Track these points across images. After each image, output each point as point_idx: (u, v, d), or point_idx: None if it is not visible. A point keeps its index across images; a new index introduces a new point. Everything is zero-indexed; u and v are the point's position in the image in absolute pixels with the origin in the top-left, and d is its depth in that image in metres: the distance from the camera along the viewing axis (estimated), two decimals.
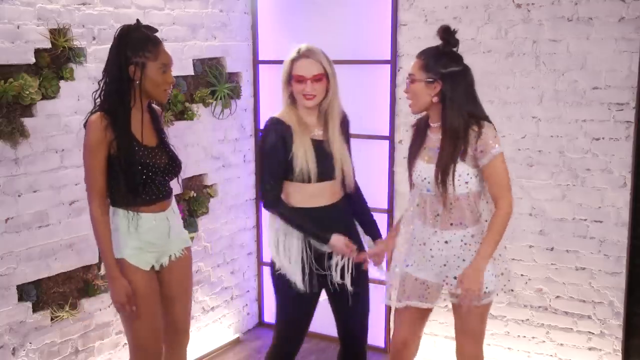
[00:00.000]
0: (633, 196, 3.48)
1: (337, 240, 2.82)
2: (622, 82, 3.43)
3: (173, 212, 2.86)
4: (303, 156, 2.80)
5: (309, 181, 2.82)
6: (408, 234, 2.91)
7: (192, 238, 3.92)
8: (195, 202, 4.07)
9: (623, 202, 3.51)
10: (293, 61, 2.82)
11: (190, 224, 4.03)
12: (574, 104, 3.56)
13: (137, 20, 2.74)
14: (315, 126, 2.89)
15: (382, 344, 4.28)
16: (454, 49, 2.74)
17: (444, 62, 2.69)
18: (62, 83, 3.21)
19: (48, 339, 3.27)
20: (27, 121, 3.08)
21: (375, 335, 4.29)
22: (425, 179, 2.77)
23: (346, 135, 2.98)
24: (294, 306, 2.94)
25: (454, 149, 2.68)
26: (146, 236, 2.73)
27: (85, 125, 2.66)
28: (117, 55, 2.64)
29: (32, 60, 3.07)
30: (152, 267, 2.79)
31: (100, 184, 2.65)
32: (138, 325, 2.74)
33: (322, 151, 2.86)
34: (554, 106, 3.60)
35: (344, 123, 2.98)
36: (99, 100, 2.68)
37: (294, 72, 2.81)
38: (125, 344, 3.56)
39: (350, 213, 3.02)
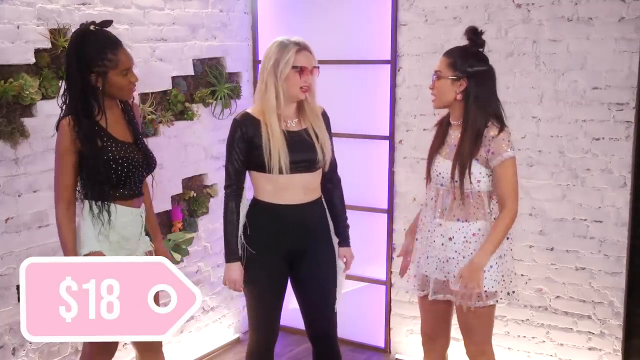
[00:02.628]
0: (633, 196, 3.48)
1: (231, 271, 2.89)
2: (622, 82, 3.43)
3: (144, 212, 2.87)
4: (275, 147, 2.78)
5: (281, 172, 2.80)
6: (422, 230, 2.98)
7: (192, 238, 3.92)
8: (195, 202, 4.07)
9: (623, 202, 3.51)
10: (297, 52, 2.81)
11: (190, 224, 4.03)
12: (574, 104, 3.56)
13: (92, 22, 2.66)
14: (290, 117, 2.89)
15: (382, 344, 4.28)
16: (481, 49, 2.82)
17: (471, 61, 2.77)
18: (62, 83, 3.21)
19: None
20: (27, 121, 3.09)
21: (375, 335, 4.30)
22: (440, 173, 2.84)
23: (327, 128, 2.98)
24: (257, 287, 2.95)
25: (472, 147, 2.74)
26: (124, 231, 2.73)
27: (56, 129, 2.66)
28: (77, 64, 2.60)
29: (32, 60, 3.08)
30: None
31: (69, 188, 2.65)
32: None
33: (297, 140, 2.85)
34: (554, 106, 3.60)
35: (325, 116, 2.99)
36: (63, 105, 2.67)
37: (299, 64, 2.80)
38: (126, 344, 3.57)
39: (325, 214, 3.00)
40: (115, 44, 2.66)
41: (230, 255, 2.90)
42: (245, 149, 2.84)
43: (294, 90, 2.83)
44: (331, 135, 3.00)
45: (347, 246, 3.06)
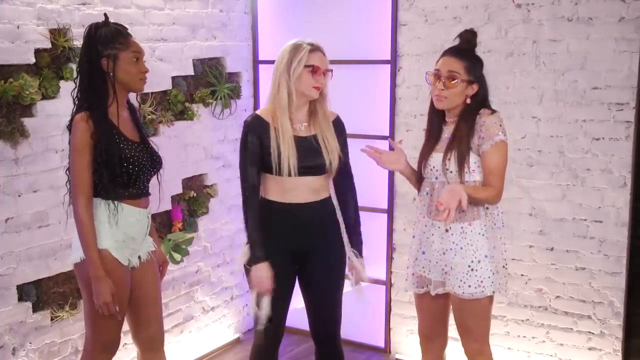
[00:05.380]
0: (633, 196, 3.48)
1: (258, 270, 2.83)
2: (622, 82, 3.43)
3: (149, 212, 2.88)
4: (285, 151, 2.81)
5: (289, 175, 2.82)
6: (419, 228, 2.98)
7: (192, 238, 3.92)
8: (195, 202, 4.07)
9: (623, 202, 3.51)
10: (310, 52, 2.84)
11: (190, 224, 4.03)
12: (574, 104, 3.56)
13: (105, 15, 2.75)
14: (300, 121, 2.91)
15: (382, 344, 4.28)
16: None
17: (479, 66, 2.80)
18: (62, 83, 3.21)
19: (48, 339, 3.27)
20: (27, 121, 3.09)
21: (375, 335, 4.29)
22: (434, 167, 2.85)
23: (341, 135, 2.98)
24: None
25: (468, 136, 2.74)
26: (130, 230, 2.75)
27: (69, 127, 2.67)
28: (88, 52, 2.66)
29: (32, 60, 3.08)
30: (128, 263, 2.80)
31: (88, 185, 2.65)
32: (107, 322, 2.72)
33: (306, 146, 2.87)
34: (554, 106, 3.60)
35: (338, 124, 2.99)
36: (76, 99, 2.69)
37: (312, 62, 2.82)
38: (126, 344, 3.56)
39: (335, 215, 3.01)
40: (126, 32, 2.74)
41: (256, 256, 2.85)
42: (257, 150, 2.85)
43: (307, 89, 2.84)
44: (345, 141, 3.01)
45: (358, 257, 3.03)
